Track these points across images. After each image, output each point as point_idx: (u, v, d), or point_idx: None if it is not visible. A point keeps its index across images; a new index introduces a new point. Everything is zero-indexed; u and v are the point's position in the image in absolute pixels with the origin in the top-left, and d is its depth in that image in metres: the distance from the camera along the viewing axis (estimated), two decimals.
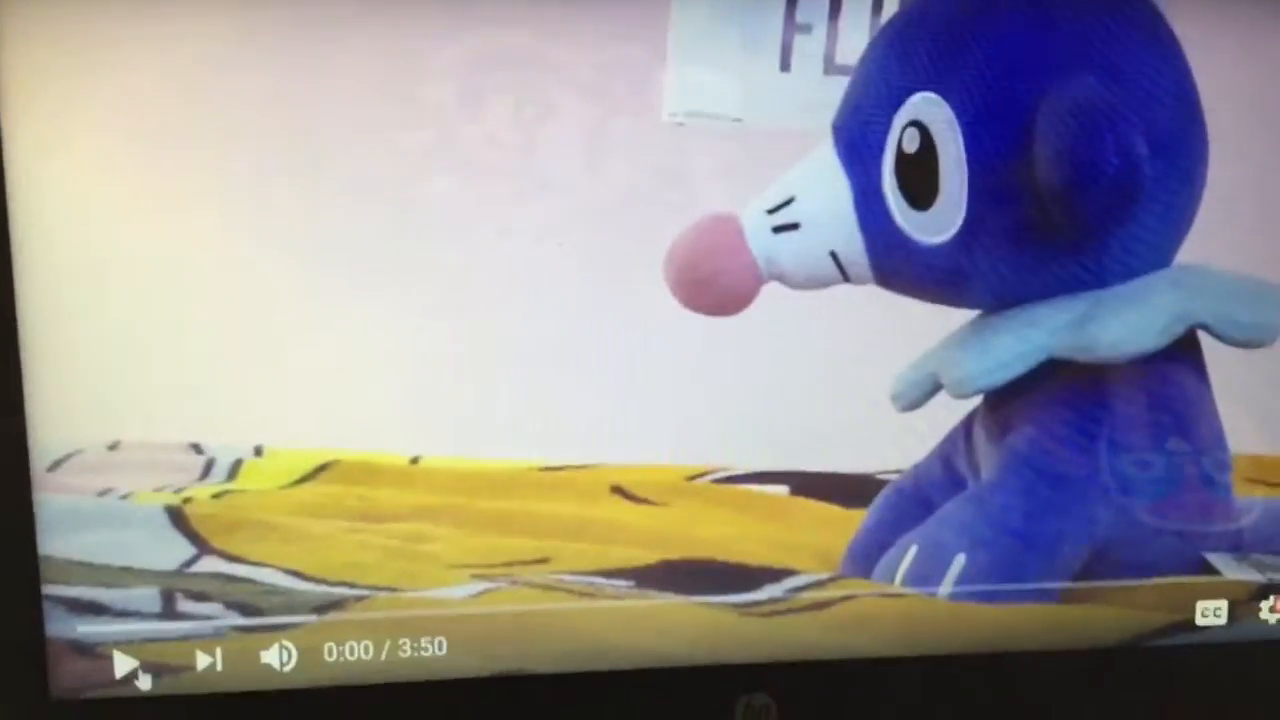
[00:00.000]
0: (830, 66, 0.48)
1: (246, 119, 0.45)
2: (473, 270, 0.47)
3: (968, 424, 0.51)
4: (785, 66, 0.48)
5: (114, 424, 0.47)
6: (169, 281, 0.46)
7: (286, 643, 0.48)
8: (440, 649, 0.49)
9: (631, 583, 0.51)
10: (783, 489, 0.51)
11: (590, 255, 0.48)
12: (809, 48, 0.48)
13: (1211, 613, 0.52)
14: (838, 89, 0.48)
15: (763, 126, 0.48)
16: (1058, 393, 0.50)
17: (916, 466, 0.52)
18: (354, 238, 0.47)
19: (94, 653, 0.48)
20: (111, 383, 0.47)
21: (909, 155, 0.47)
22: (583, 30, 0.46)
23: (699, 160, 0.48)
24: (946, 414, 0.51)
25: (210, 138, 0.45)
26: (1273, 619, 0.53)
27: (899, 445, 0.51)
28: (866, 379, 0.50)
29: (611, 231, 0.48)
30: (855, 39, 0.48)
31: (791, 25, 0.47)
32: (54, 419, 0.46)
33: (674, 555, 0.51)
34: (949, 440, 0.51)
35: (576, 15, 0.46)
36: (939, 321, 0.50)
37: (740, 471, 0.51)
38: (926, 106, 0.46)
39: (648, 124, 0.47)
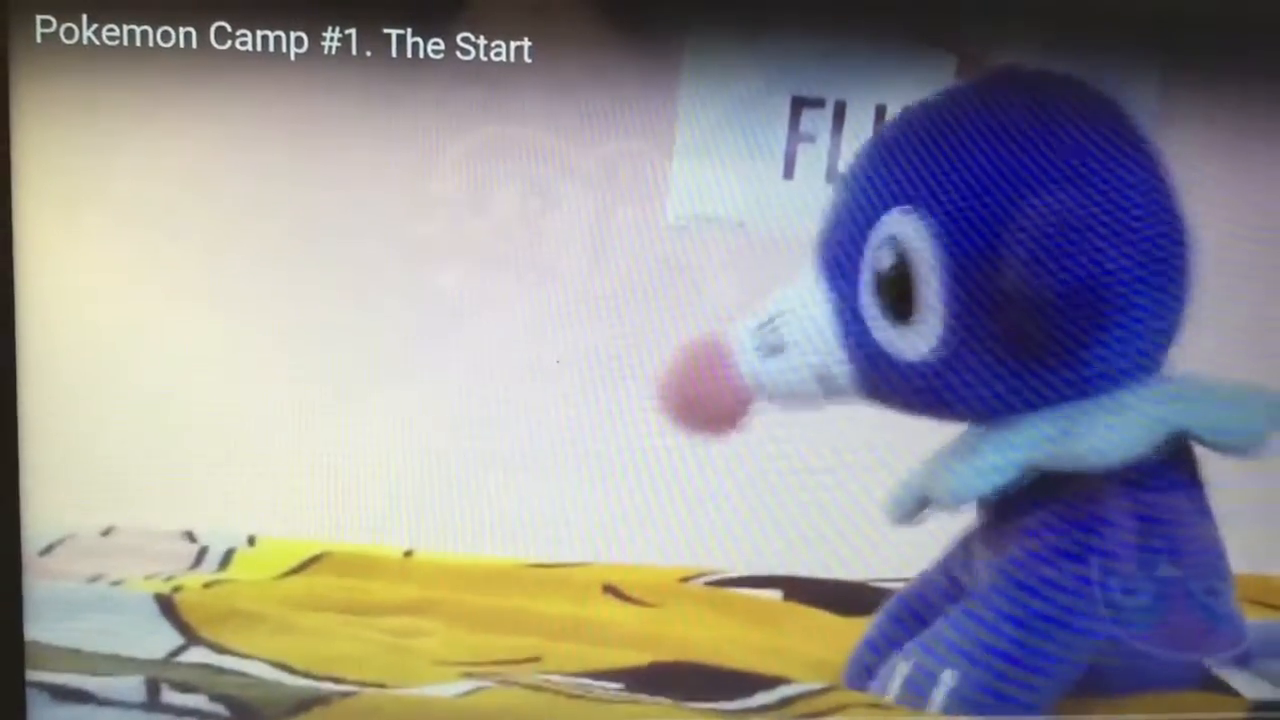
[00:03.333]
0: (833, 176, 0.48)
1: (249, 214, 0.46)
2: (471, 370, 0.47)
3: (968, 536, 0.51)
4: (789, 174, 0.48)
5: (108, 510, 0.47)
6: (167, 370, 0.46)
7: None
8: None
9: (622, 685, 0.50)
10: (776, 594, 0.51)
11: (588, 359, 0.48)
12: (812, 157, 0.48)
13: None
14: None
15: (764, 232, 0.48)
16: (1048, 506, 0.49)
17: (922, 576, 0.51)
18: (352, 334, 0.47)
19: None
20: (107, 469, 0.47)
21: (886, 271, 0.47)
22: (590, 132, 0.46)
23: (701, 264, 0.48)
24: (943, 524, 0.50)
25: (213, 231, 0.46)
26: None
27: (895, 555, 0.51)
28: (860, 491, 0.50)
29: (611, 335, 0.48)
30: (859, 150, 0.48)
31: (796, 134, 0.48)
32: (48, 503, 0.46)
33: (665, 658, 0.50)
34: (952, 551, 0.51)
35: (585, 115, 0.47)
36: (933, 434, 0.49)
37: (734, 575, 0.50)
38: (901, 222, 0.47)
39: (652, 226, 0.47)
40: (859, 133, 0.48)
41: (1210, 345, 0.49)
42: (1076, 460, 0.47)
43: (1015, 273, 0.45)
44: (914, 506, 0.49)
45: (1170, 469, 0.49)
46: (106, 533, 0.46)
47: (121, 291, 0.46)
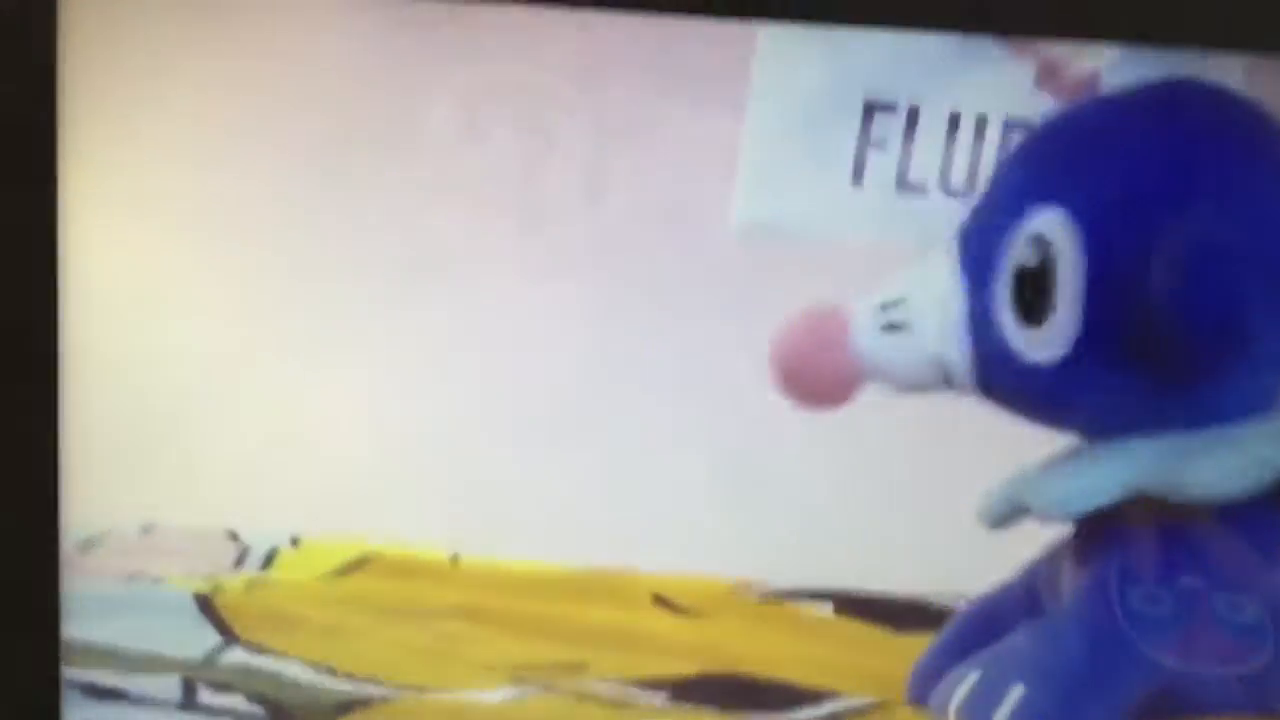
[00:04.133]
0: (903, 183, 0.47)
1: (294, 213, 0.44)
2: (528, 373, 0.46)
3: (1054, 552, 0.50)
4: (858, 180, 0.47)
5: (149, 507, 0.45)
6: (214, 366, 0.45)
7: None
8: None
9: (667, 695, 0.49)
10: (827, 607, 0.49)
11: (645, 366, 0.46)
12: (882, 163, 0.47)
13: None
14: (907, 206, 0.47)
15: (830, 239, 0.47)
16: (1147, 529, 0.48)
17: (1000, 589, 0.50)
18: (407, 332, 0.45)
19: None
20: (149, 465, 0.45)
21: (1027, 269, 0.46)
22: (655, 139, 0.45)
23: (763, 269, 0.47)
24: (1023, 540, 0.49)
25: (253, 230, 0.44)
26: None
27: (969, 567, 0.50)
28: (953, 492, 0.48)
29: (667, 343, 0.46)
30: (929, 157, 0.47)
31: (866, 140, 0.46)
32: (88, 499, 0.45)
33: (712, 669, 0.49)
34: (1036, 567, 0.50)
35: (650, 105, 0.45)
36: (1037, 443, 0.48)
37: (787, 587, 0.49)
38: (1051, 222, 0.45)
39: (715, 231, 0.46)
40: (931, 140, 0.47)
41: None
42: (1181, 489, 0.46)
43: (1156, 290, 0.44)
44: (1010, 513, 0.48)
45: (1271, 506, 0.48)
46: (147, 530, 0.45)
47: (165, 290, 0.44)
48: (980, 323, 0.46)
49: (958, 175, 0.47)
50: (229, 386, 0.45)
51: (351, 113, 0.43)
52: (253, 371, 0.45)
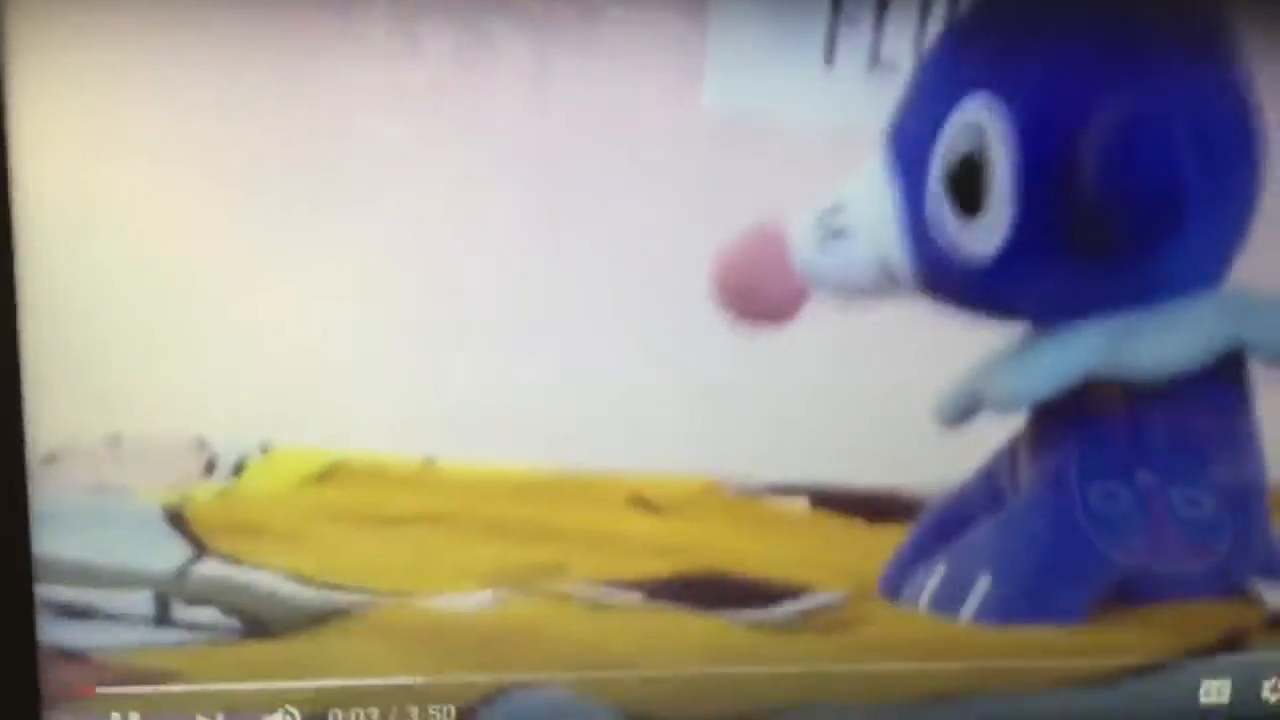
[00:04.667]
0: (875, 62, 0.46)
1: (248, 108, 0.43)
2: (495, 270, 0.45)
3: (1014, 444, 0.50)
4: (829, 60, 0.46)
5: (114, 416, 0.44)
6: (174, 270, 0.44)
7: (290, 708, 0.47)
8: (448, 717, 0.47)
9: (643, 594, 0.49)
10: (803, 502, 0.49)
11: (619, 259, 0.46)
12: (854, 41, 0.46)
13: (1215, 692, 0.51)
14: (881, 85, 0.46)
15: (803, 122, 0.46)
16: (1097, 414, 0.49)
17: (963, 485, 0.50)
18: (369, 233, 0.44)
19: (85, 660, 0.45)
20: (113, 374, 0.44)
21: (959, 159, 0.45)
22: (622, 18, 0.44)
23: (736, 157, 0.46)
24: (983, 433, 0.49)
25: (213, 131, 0.43)
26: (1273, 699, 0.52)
27: (934, 462, 0.49)
28: (907, 394, 0.48)
29: (642, 233, 0.46)
30: (903, 34, 0.46)
31: (838, 17, 0.45)
32: (50, 410, 0.44)
33: (689, 568, 0.49)
34: (996, 460, 0.50)
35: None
36: (986, 337, 0.48)
37: (762, 483, 0.49)
38: (981, 109, 0.45)
39: (686, 117, 0.45)
40: (905, 17, 0.46)
41: (1275, 259, 0.47)
42: (1132, 368, 0.47)
43: (1090, 170, 0.43)
44: (966, 409, 0.49)
45: (1221, 381, 0.48)
46: (112, 441, 0.44)
47: (123, 190, 0.43)
48: (918, 220, 0.46)
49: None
50: (189, 294, 0.44)
51: (290, 23, 0.42)
52: (212, 279, 0.44)
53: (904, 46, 0.46)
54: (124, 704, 0.46)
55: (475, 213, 0.45)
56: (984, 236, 0.46)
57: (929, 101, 0.46)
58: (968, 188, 0.46)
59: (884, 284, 0.47)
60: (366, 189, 0.44)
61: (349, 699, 0.48)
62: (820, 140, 0.46)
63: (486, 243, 0.45)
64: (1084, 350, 0.48)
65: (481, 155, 0.45)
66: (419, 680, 0.48)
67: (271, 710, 0.47)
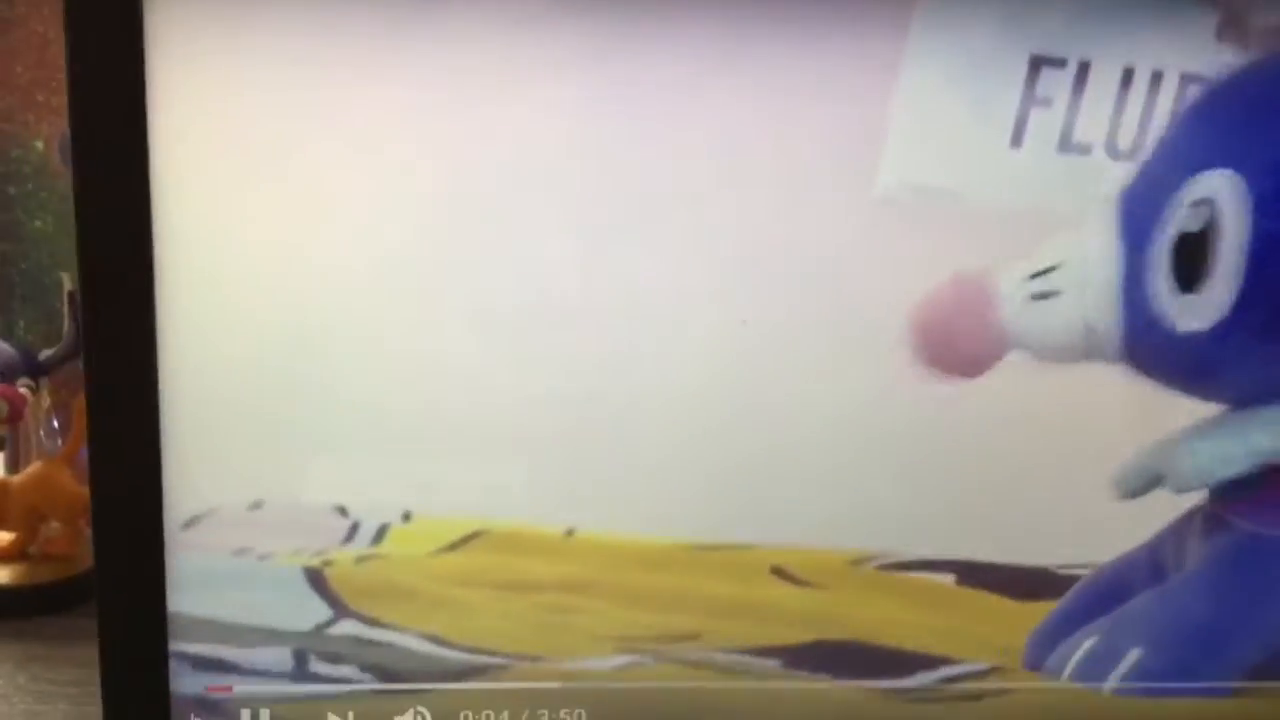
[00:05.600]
0: (1066, 146, 0.43)
1: (412, 176, 0.41)
2: (642, 338, 0.43)
3: (1186, 520, 0.48)
4: (1017, 143, 0.43)
5: (257, 483, 0.43)
6: (320, 339, 0.42)
7: (421, 708, 0.46)
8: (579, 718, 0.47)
9: (781, 662, 0.48)
10: (950, 578, 0.48)
11: (775, 333, 0.44)
12: (1045, 123, 0.42)
13: None
14: (1067, 169, 0.43)
15: (983, 205, 0.43)
16: (1271, 496, 0.47)
17: (1125, 557, 0.49)
18: (520, 297, 0.42)
19: (221, 710, 0.45)
20: (256, 441, 0.43)
21: (1189, 234, 0.43)
22: (800, 92, 0.41)
23: (908, 237, 0.43)
24: (1154, 509, 0.48)
25: (363, 189, 0.41)
26: None
27: (1097, 537, 0.48)
28: (1086, 464, 0.47)
29: (802, 307, 0.44)
30: (1098, 116, 0.43)
31: (1031, 97, 0.42)
32: (191, 475, 0.43)
33: (829, 637, 0.48)
34: (1163, 536, 0.48)
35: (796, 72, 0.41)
36: (1178, 413, 0.47)
37: (909, 559, 0.47)
38: (1218, 183, 0.43)
39: (857, 196, 0.42)
40: (1101, 98, 0.42)
41: None
42: None
43: None
44: (1145, 483, 0.47)
45: None
46: (255, 506, 0.43)
47: (270, 254, 0.41)
48: (1134, 290, 0.45)
49: (1126, 135, 0.43)
50: (331, 360, 0.42)
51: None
52: (357, 346, 0.42)
53: (1097, 129, 0.42)
54: (255, 702, 0.46)
55: (639, 282, 0.43)
56: (1200, 312, 0.44)
57: (1168, 171, 0.44)
58: (1192, 263, 0.44)
59: (1088, 349, 0.45)
60: (522, 252, 0.42)
61: (480, 701, 0.47)
62: (1009, 225, 0.43)
63: (650, 312, 0.44)
64: (1272, 435, 0.46)
65: (664, 229, 0.42)
66: (553, 685, 0.47)
67: (403, 711, 0.47)
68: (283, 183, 0.42)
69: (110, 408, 0.42)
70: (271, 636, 0.45)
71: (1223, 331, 0.44)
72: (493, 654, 0.47)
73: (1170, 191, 0.44)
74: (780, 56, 0.42)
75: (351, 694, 0.46)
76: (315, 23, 0.40)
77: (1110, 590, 0.49)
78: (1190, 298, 0.44)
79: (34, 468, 0.68)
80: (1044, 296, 0.45)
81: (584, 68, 0.42)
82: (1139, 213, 0.44)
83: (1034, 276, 0.44)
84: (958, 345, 0.45)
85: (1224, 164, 0.43)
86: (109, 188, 0.40)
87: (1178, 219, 0.44)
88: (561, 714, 0.47)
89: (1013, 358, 0.46)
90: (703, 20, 0.41)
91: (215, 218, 0.41)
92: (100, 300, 0.41)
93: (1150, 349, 0.45)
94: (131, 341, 0.41)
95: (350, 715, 0.46)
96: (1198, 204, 0.43)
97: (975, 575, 0.48)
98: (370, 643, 0.46)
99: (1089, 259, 0.44)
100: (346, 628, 0.45)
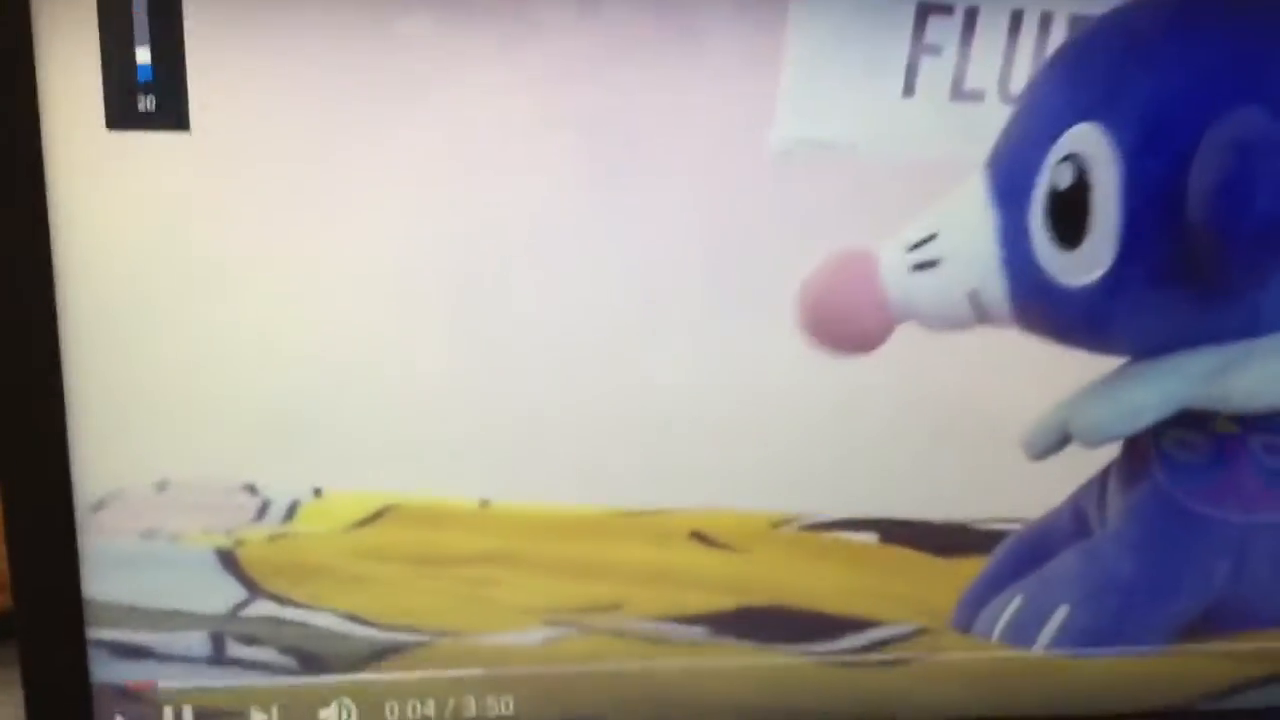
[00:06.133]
0: (958, 92, 0.43)
1: (320, 132, 0.41)
2: (554, 306, 0.43)
3: (1104, 473, 0.48)
4: (909, 92, 0.43)
5: (162, 463, 0.43)
6: (222, 314, 0.42)
7: (346, 699, 0.46)
8: (507, 708, 0.46)
9: (706, 629, 0.48)
10: (872, 537, 0.48)
11: (689, 289, 0.44)
12: (936, 71, 0.43)
13: None
14: (961, 117, 0.43)
15: (879, 157, 0.43)
16: (1186, 441, 0.47)
17: (1047, 515, 0.48)
18: (421, 274, 0.42)
19: (141, 699, 0.45)
20: (160, 420, 0.43)
21: (1062, 191, 0.43)
22: (687, 48, 0.41)
23: (808, 192, 0.43)
24: (1070, 466, 0.48)
25: (264, 154, 0.41)
26: None
27: (1018, 495, 0.48)
28: (993, 425, 0.47)
29: (706, 268, 0.43)
30: (988, 63, 0.43)
31: (920, 45, 0.42)
32: (97, 456, 0.43)
33: (753, 602, 0.48)
34: (1085, 490, 0.48)
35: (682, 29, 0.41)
36: (1079, 369, 0.46)
37: (830, 518, 0.47)
38: (1086, 138, 0.42)
39: (754, 154, 0.42)
40: (991, 43, 0.43)
41: None
42: (1226, 402, 0.45)
43: (1198, 199, 0.41)
44: (1055, 442, 0.47)
45: None
46: (161, 487, 0.43)
47: (168, 229, 0.41)
48: (1015, 251, 0.44)
49: (1018, 80, 0.43)
50: (234, 338, 0.42)
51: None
52: (259, 322, 0.42)
53: (989, 76, 0.42)
54: (178, 698, 0.46)
55: (532, 249, 0.43)
56: (1084, 268, 0.44)
57: (1031, 132, 0.43)
58: (1069, 219, 0.43)
59: (977, 313, 0.45)
60: (415, 230, 0.42)
61: (406, 690, 0.47)
62: (904, 171, 0.43)
63: (545, 279, 0.44)
64: (1177, 384, 0.46)
65: (542, 191, 0.42)
66: (476, 672, 0.47)
67: (327, 703, 0.47)
68: (188, 173, 0.41)
69: (14, 391, 0.42)
70: (187, 620, 0.45)
71: (1111, 284, 0.44)
72: (413, 630, 0.46)
73: (1038, 149, 0.44)
74: (669, 30, 0.41)
75: (274, 687, 0.46)
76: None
77: (1035, 548, 0.49)
78: (1072, 254, 0.44)
79: None
80: (925, 266, 0.44)
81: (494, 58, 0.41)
82: (1010, 173, 0.44)
83: (913, 247, 0.44)
84: (847, 322, 0.45)
85: (1088, 117, 0.43)
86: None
87: (1049, 176, 0.43)
88: (489, 700, 0.47)
89: (906, 328, 0.45)
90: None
91: (113, 202, 0.41)
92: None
93: (1040, 309, 0.45)
94: (32, 324, 0.41)
95: (274, 709, 0.46)
96: (1067, 159, 0.43)
97: (897, 533, 0.48)
98: (287, 623, 0.45)
99: (965, 225, 0.44)
100: (262, 608, 0.45)
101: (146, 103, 0.41)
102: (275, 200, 0.42)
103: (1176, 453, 0.48)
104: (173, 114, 0.41)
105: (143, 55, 0.40)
